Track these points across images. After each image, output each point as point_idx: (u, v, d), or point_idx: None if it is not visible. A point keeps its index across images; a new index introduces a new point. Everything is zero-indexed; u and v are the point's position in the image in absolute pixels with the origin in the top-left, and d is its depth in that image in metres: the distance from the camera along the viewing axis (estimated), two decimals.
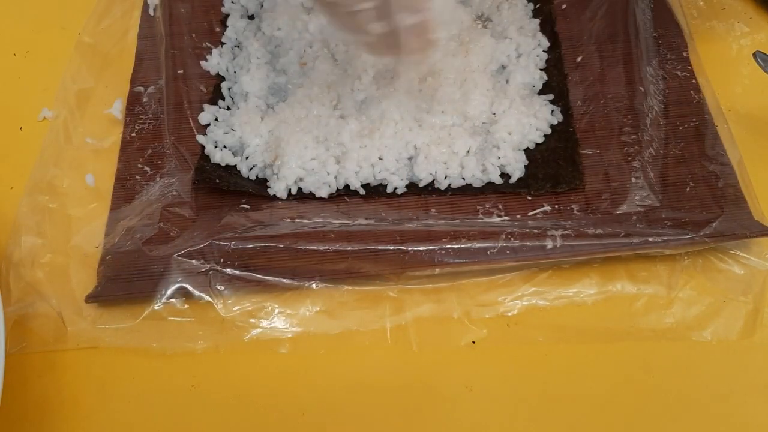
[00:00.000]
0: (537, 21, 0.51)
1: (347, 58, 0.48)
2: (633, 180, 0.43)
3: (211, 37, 0.52)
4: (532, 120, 0.45)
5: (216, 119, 0.47)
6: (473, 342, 0.39)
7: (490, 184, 0.43)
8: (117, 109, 0.48)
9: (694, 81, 0.47)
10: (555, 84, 0.48)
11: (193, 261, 0.40)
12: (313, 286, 0.40)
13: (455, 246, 0.40)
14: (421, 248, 0.40)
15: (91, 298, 0.40)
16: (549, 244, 0.40)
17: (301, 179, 0.43)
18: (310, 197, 0.44)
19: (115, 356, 0.39)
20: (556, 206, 0.42)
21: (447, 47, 0.48)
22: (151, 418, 0.38)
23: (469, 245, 0.40)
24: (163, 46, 0.51)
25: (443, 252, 0.40)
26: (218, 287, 0.40)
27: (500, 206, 0.42)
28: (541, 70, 0.48)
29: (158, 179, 0.45)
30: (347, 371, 0.39)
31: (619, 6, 0.50)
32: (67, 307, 0.40)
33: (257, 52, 0.50)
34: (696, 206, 0.41)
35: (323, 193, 0.43)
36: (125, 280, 0.41)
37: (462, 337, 0.39)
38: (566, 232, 0.40)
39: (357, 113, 0.46)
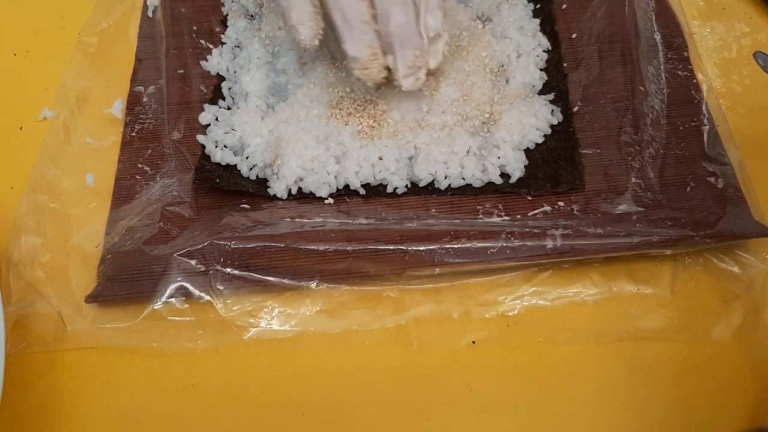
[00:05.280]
0: (537, 21, 0.51)
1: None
2: (633, 180, 0.43)
3: (211, 37, 0.52)
4: (532, 120, 0.45)
5: (216, 119, 0.47)
6: (473, 342, 0.39)
7: (490, 184, 0.43)
8: (117, 108, 0.48)
9: (695, 81, 0.47)
10: (555, 84, 0.48)
11: (193, 261, 0.40)
12: (313, 285, 0.40)
13: (455, 246, 0.40)
14: (421, 248, 0.40)
15: (91, 298, 0.40)
16: (549, 243, 0.40)
17: (301, 179, 0.43)
18: (310, 197, 0.44)
19: (115, 356, 0.39)
20: (557, 206, 0.42)
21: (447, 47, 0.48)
22: (151, 418, 0.38)
23: (469, 245, 0.40)
24: (163, 46, 0.51)
25: (443, 252, 0.40)
26: (218, 287, 0.40)
27: (500, 206, 0.42)
28: (541, 70, 0.48)
29: (158, 179, 0.45)
30: (347, 371, 0.39)
31: (620, 6, 0.50)
32: (67, 307, 0.40)
33: (257, 52, 0.50)
34: (696, 206, 0.41)
35: (323, 192, 0.43)
36: (125, 279, 0.41)
37: (462, 337, 0.39)
38: (566, 231, 0.40)
39: (357, 113, 0.46)
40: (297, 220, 0.42)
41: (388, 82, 0.45)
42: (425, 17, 0.42)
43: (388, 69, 0.43)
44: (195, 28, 0.52)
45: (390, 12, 0.41)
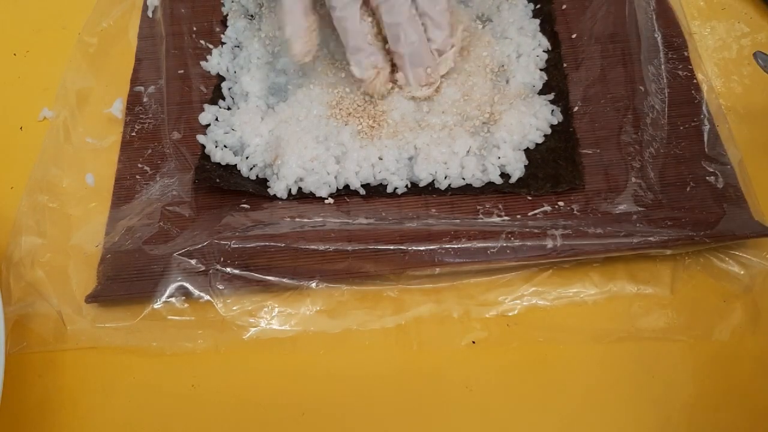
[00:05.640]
0: (537, 21, 0.51)
1: (347, 59, 0.48)
2: (633, 180, 0.43)
3: (211, 37, 0.52)
4: (532, 120, 0.45)
5: (216, 119, 0.47)
6: (473, 342, 0.39)
7: (490, 184, 0.43)
8: (117, 108, 0.48)
9: (695, 81, 0.47)
10: (555, 84, 0.48)
11: (193, 260, 0.40)
12: (313, 285, 0.40)
13: (455, 246, 0.40)
14: (421, 248, 0.40)
15: (91, 298, 0.40)
16: (549, 243, 0.40)
17: (301, 179, 0.43)
18: (310, 197, 0.44)
19: (115, 356, 0.39)
20: (556, 206, 0.42)
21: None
22: (151, 418, 0.38)
23: (469, 245, 0.40)
24: (163, 46, 0.51)
25: (443, 252, 0.40)
26: (218, 287, 0.40)
27: (500, 206, 0.42)
28: (541, 70, 0.48)
29: (158, 179, 0.45)
30: (347, 371, 0.39)
31: (620, 6, 0.50)
32: (67, 306, 0.40)
33: (257, 52, 0.50)
34: (696, 206, 0.41)
35: (323, 192, 0.43)
36: (125, 279, 0.41)
37: (462, 337, 0.39)
38: (566, 231, 0.40)
39: (357, 113, 0.46)
40: (297, 219, 0.42)
41: (394, 86, 0.45)
42: (432, 33, 0.44)
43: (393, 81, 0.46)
44: (195, 28, 0.52)
45: (399, 33, 0.43)
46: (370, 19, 0.44)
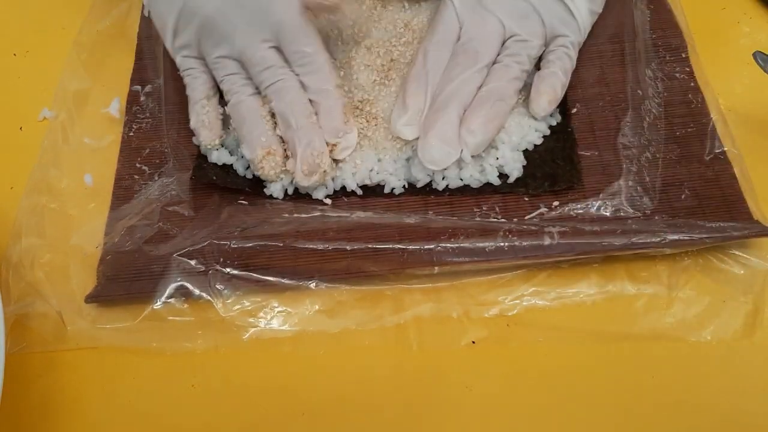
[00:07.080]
0: None
1: (346, 59, 0.48)
2: (630, 183, 0.42)
3: None
4: (530, 121, 0.45)
5: None
6: (473, 342, 0.39)
7: (488, 185, 0.43)
8: (115, 108, 0.49)
9: (692, 83, 0.47)
10: None
11: (193, 261, 0.40)
12: (313, 285, 0.40)
13: (454, 244, 0.40)
14: (420, 246, 0.40)
15: (91, 298, 0.40)
16: (547, 241, 0.40)
17: None
18: (306, 197, 0.44)
19: (115, 356, 0.39)
20: (553, 207, 0.42)
21: None
22: (151, 418, 0.38)
23: (467, 243, 0.40)
24: (161, 45, 0.50)
25: (442, 250, 0.40)
26: (218, 287, 0.40)
27: (497, 208, 0.42)
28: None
29: (157, 178, 0.45)
30: (347, 371, 0.39)
31: (618, 7, 0.50)
32: (67, 307, 0.40)
33: None
34: (695, 207, 0.41)
35: (320, 194, 0.43)
36: (125, 279, 0.41)
37: (462, 337, 0.39)
38: (563, 229, 0.40)
39: (354, 113, 0.45)
40: (296, 215, 0.42)
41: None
42: (323, 120, 0.42)
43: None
44: None
45: (288, 116, 0.41)
46: (265, 105, 0.43)
